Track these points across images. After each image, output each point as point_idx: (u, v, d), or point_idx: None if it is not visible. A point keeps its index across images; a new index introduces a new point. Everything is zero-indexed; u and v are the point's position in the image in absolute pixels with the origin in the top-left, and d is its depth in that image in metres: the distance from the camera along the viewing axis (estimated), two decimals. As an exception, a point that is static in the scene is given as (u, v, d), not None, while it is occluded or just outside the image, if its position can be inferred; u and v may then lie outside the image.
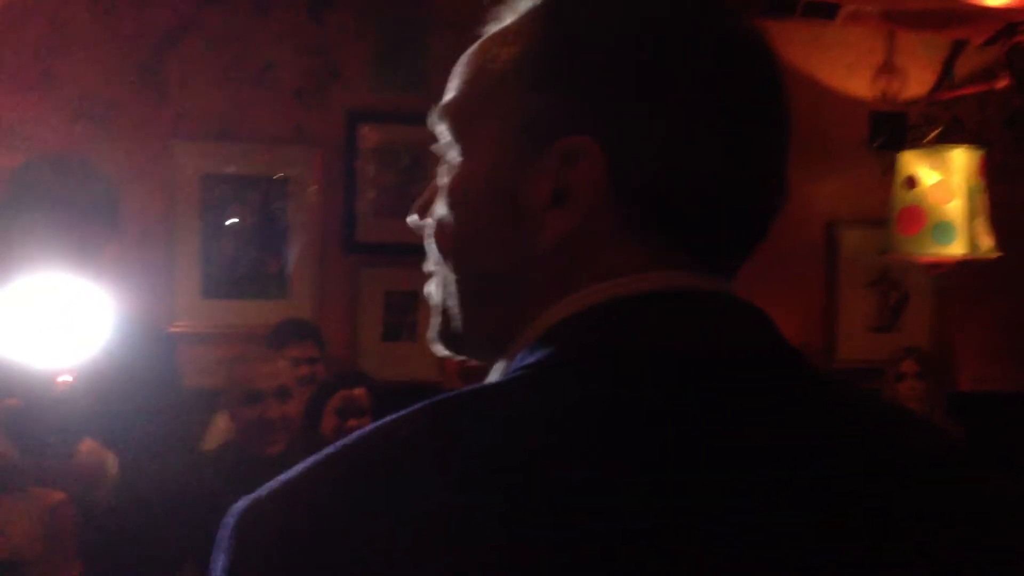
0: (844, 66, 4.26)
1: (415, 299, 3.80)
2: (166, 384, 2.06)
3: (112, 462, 1.85)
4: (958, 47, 4.29)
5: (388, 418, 0.59)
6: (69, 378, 1.66)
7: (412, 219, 0.75)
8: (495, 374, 0.67)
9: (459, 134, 0.69)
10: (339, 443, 0.58)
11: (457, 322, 0.70)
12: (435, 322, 0.73)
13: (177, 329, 3.54)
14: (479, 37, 0.70)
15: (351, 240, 3.79)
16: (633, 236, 0.63)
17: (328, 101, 3.79)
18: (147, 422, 1.95)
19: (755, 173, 0.67)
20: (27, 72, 3.54)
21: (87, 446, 1.79)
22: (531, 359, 0.62)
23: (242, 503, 0.56)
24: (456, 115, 0.69)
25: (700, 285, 0.64)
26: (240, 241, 3.71)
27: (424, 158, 3.81)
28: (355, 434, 0.58)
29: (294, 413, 2.46)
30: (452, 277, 0.69)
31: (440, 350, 0.73)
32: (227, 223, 3.69)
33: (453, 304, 0.70)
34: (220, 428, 2.86)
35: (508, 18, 0.69)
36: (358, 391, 2.97)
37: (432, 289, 0.72)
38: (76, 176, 1.94)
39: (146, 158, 3.61)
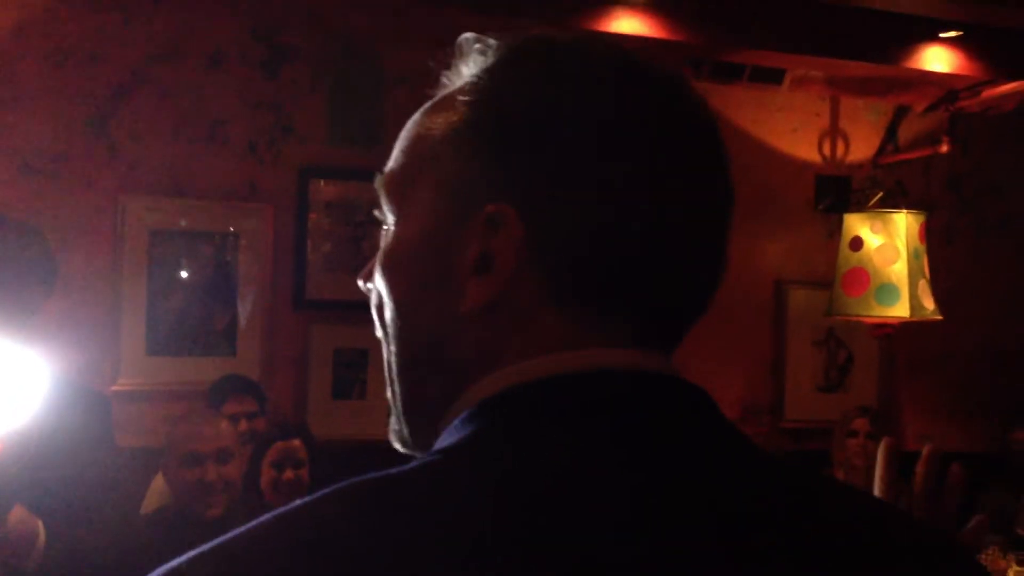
0: (790, 130, 4.35)
1: (365, 356, 3.78)
2: (102, 446, 2.02)
3: (41, 530, 1.80)
4: (901, 112, 4.41)
5: (296, 503, 0.58)
6: (-3, 446, 1.62)
7: (360, 283, 0.75)
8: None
9: (395, 201, 0.69)
10: (244, 527, 0.57)
11: (398, 400, 0.70)
12: (391, 418, 0.72)
13: (120, 387, 3.49)
14: (432, 94, 0.71)
15: (301, 296, 3.78)
16: (559, 308, 0.62)
17: (281, 156, 3.79)
18: (81, 487, 1.91)
19: (691, 244, 0.65)
20: (-26, 125, 3.51)
21: (16, 514, 1.75)
22: (449, 441, 0.61)
23: (162, 570, 0.55)
24: (392, 183, 0.69)
25: (631, 362, 0.63)
26: (188, 297, 3.67)
27: (382, 222, 3.81)
28: (258, 520, 0.57)
29: (235, 475, 2.42)
30: (392, 348, 0.69)
31: (395, 442, 0.72)
32: (176, 277, 3.66)
33: (394, 378, 0.70)
34: (158, 490, 2.81)
35: (452, 85, 0.69)
36: (295, 443, 2.94)
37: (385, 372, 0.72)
38: (12, 235, 1.92)
39: (94, 212, 3.58)
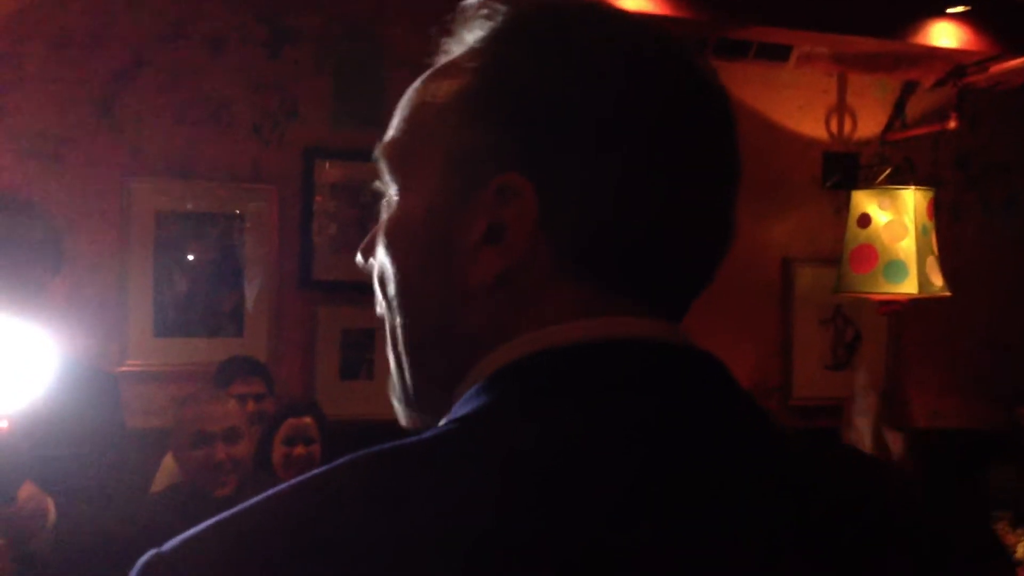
0: (797, 107, 4.33)
1: (372, 337, 3.78)
2: (111, 425, 2.03)
3: (52, 508, 1.81)
4: (909, 88, 4.38)
5: (307, 474, 0.57)
6: (4, 423, 1.62)
7: (358, 260, 0.72)
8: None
9: (397, 171, 0.68)
10: (253, 499, 0.56)
11: (407, 373, 0.69)
12: (393, 383, 0.71)
13: (128, 368, 3.50)
14: (432, 63, 0.69)
15: (308, 277, 3.77)
16: (571, 279, 0.62)
17: (285, 138, 3.78)
18: (91, 465, 1.91)
19: (700, 215, 0.64)
20: (-21, 108, 3.51)
21: (26, 491, 1.76)
22: (463, 411, 0.60)
23: (146, 556, 0.55)
24: (394, 152, 0.68)
25: (644, 331, 0.63)
26: (194, 279, 3.68)
27: (383, 194, 3.81)
28: (271, 491, 0.56)
29: (244, 454, 2.42)
30: (397, 321, 0.68)
31: (402, 415, 0.71)
32: (182, 259, 3.66)
33: (401, 352, 0.68)
34: (169, 469, 2.82)
35: (453, 52, 0.68)
36: (307, 420, 2.96)
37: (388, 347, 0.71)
38: (19, 216, 1.92)
39: (99, 195, 3.58)
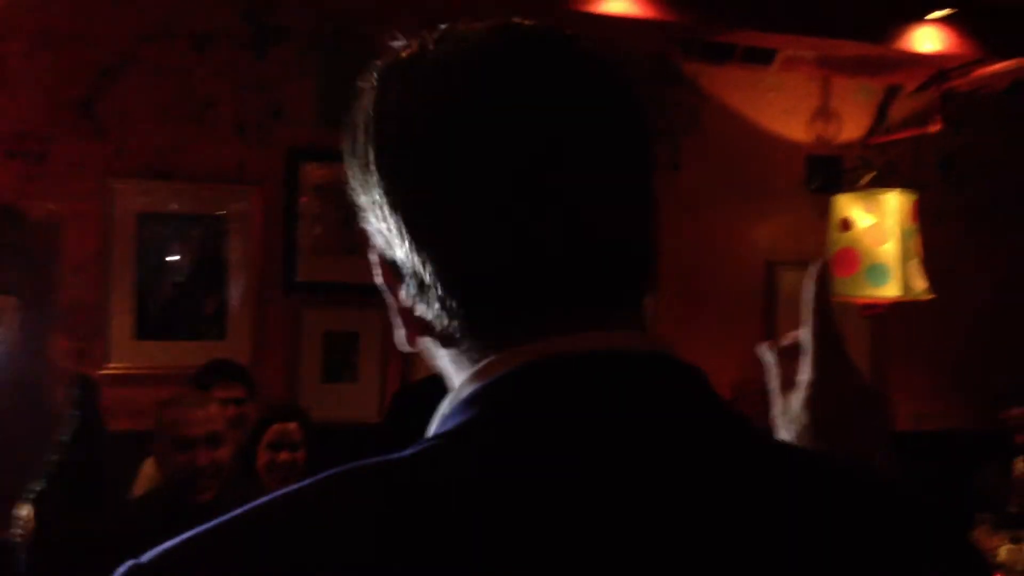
0: (781, 110, 4.34)
1: (356, 339, 3.77)
2: (91, 428, 2.02)
3: (28, 513, 1.79)
4: (892, 92, 4.40)
5: (288, 488, 0.58)
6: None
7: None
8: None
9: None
10: (230, 513, 0.56)
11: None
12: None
13: (110, 370, 3.48)
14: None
15: (291, 279, 3.76)
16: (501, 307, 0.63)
17: (270, 138, 3.77)
18: (71, 468, 1.90)
19: (608, 219, 0.63)
20: (-40, 107, 3.48)
21: None
22: (447, 426, 0.61)
23: (124, 567, 0.55)
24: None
25: (625, 344, 0.63)
26: (177, 281, 3.66)
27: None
28: (251, 505, 0.57)
29: (225, 459, 2.40)
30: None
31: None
32: (165, 260, 3.64)
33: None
34: (150, 473, 2.80)
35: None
36: (291, 425, 2.95)
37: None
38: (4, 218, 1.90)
39: (82, 195, 3.55)
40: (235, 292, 3.70)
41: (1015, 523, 3.60)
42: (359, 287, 3.77)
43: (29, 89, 3.52)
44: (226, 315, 3.69)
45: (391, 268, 0.66)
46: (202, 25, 3.68)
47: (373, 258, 0.67)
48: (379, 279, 0.67)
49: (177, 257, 3.66)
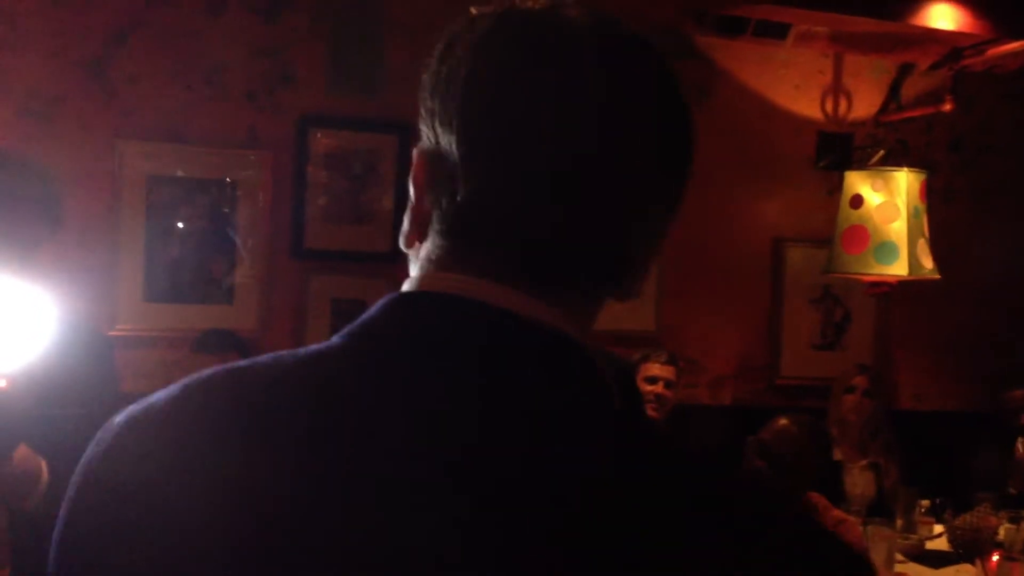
0: (793, 86, 4.32)
1: (363, 307, 3.73)
2: (106, 387, 2.02)
3: (44, 470, 1.80)
4: (905, 70, 4.38)
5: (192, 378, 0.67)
6: (3, 383, 1.61)
7: None
8: None
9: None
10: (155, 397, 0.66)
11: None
12: None
13: (118, 332, 3.49)
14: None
15: (299, 246, 3.76)
16: (443, 239, 0.70)
17: (280, 104, 3.76)
18: (86, 427, 1.90)
19: (567, 192, 0.68)
20: (-30, 66, 3.46)
21: (21, 453, 1.75)
22: (350, 328, 0.69)
23: (121, 417, 0.67)
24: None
25: (463, 289, 0.67)
26: (185, 244, 3.66)
27: (377, 165, 3.79)
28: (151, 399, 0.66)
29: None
30: None
31: None
32: (174, 224, 3.64)
33: None
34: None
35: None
36: None
37: None
38: (17, 172, 1.90)
39: (91, 157, 3.55)
40: (243, 257, 3.70)
41: (1015, 503, 3.62)
42: (367, 255, 3.78)
43: (39, 49, 3.50)
44: (234, 280, 3.70)
45: (427, 167, 0.71)
46: (214, -12, 3.66)
47: (415, 152, 0.73)
48: (412, 176, 0.73)
49: (185, 222, 3.66)
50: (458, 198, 0.69)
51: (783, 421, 2.89)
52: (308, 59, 3.77)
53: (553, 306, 0.67)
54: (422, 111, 0.72)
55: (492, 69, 0.69)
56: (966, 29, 3.81)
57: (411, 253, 0.74)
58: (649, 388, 3.59)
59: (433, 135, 0.71)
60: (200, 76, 3.67)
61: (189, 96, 3.65)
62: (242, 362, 0.68)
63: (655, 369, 3.63)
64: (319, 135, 3.77)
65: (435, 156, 0.70)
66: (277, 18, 3.74)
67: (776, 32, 3.99)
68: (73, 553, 0.63)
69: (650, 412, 3.51)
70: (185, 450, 0.62)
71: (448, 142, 0.69)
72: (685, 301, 4.15)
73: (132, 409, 0.66)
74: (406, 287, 0.71)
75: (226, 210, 3.70)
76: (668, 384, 3.64)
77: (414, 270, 0.73)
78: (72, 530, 0.64)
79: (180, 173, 3.64)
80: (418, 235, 0.72)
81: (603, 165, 0.68)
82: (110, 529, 0.61)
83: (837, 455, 3.70)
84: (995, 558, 3.02)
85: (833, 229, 3.86)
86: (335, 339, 0.69)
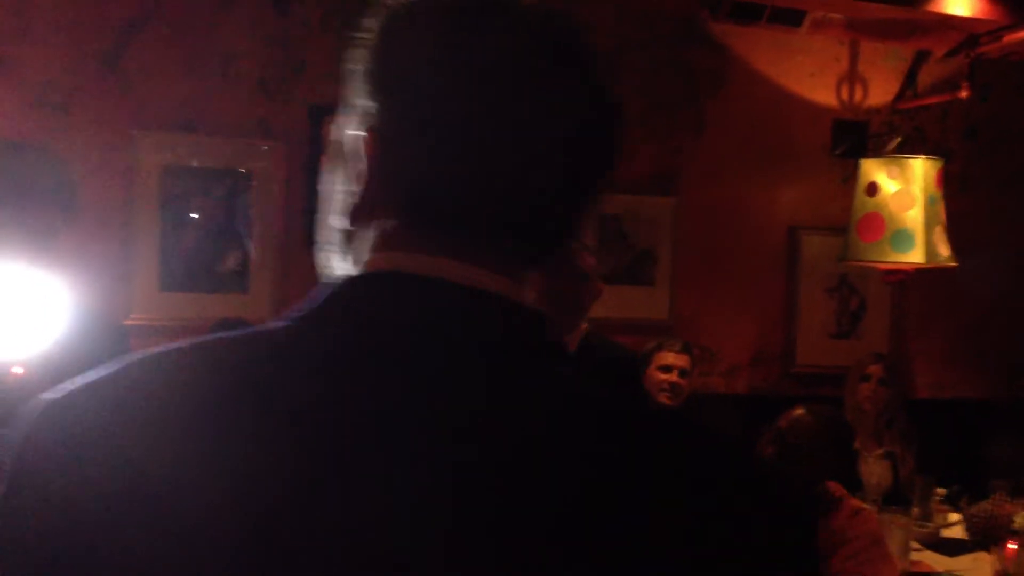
0: (808, 74, 4.30)
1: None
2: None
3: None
4: (921, 58, 4.35)
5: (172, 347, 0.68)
6: (20, 370, 1.62)
7: None
8: None
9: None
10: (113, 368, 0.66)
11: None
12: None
13: (133, 322, 3.50)
14: None
15: (312, 235, 3.75)
16: (394, 218, 0.72)
17: (292, 94, 3.76)
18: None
19: (515, 167, 0.70)
20: (-15, 57, 3.48)
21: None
22: (304, 309, 0.72)
23: (42, 399, 0.65)
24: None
25: (419, 267, 0.70)
26: (200, 234, 3.67)
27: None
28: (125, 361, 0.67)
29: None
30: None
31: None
32: (188, 214, 3.65)
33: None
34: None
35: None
36: None
37: None
38: (33, 162, 1.91)
39: (106, 148, 3.56)
40: (258, 246, 3.71)
41: (1031, 491, 3.61)
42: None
43: (53, 40, 3.51)
44: (248, 269, 3.71)
45: (375, 146, 0.73)
46: (226, -22, 3.66)
47: (366, 132, 0.75)
48: (364, 155, 0.74)
49: (200, 212, 3.67)
50: (401, 176, 0.71)
51: (799, 411, 2.88)
52: (319, 49, 3.77)
53: (499, 274, 0.71)
54: (361, 88, 0.75)
55: (416, 48, 0.72)
56: (982, 15, 3.78)
57: (358, 230, 0.75)
58: (663, 376, 3.58)
59: (374, 113, 0.73)
60: (214, 67, 3.68)
61: (202, 86, 3.66)
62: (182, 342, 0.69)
63: (669, 357, 3.62)
64: (332, 124, 3.76)
65: (379, 135, 0.72)
66: (288, 9, 3.74)
67: (791, 19, 3.96)
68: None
69: (664, 400, 3.50)
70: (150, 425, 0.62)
71: (384, 119, 0.72)
72: (700, 289, 4.14)
73: (66, 387, 0.66)
74: (363, 267, 0.73)
75: (240, 200, 3.71)
76: (682, 372, 3.62)
77: (362, 247, 0.74)
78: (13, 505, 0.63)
79: (195, 163, 3.65)
80: (369, 213, 0.74)
81: (515, 134, 0.70)
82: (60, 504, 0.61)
83: (854, 444, 3.69)
84: (1011, 546, 3.01)
85: (849, 217, 3.84)
86: (287, 321, 0.71)
